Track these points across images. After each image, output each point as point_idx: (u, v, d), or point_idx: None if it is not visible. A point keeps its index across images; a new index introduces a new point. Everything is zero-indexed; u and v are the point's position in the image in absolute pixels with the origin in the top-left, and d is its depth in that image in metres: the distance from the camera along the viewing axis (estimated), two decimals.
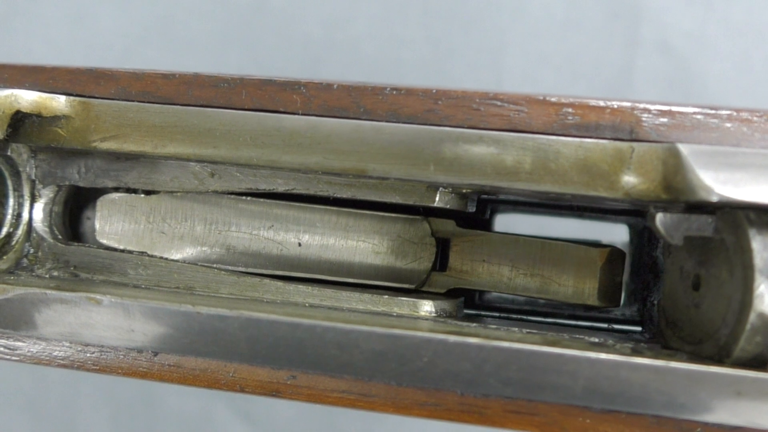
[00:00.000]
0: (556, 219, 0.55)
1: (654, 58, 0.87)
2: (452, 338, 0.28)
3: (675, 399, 0.27)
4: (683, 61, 0.87)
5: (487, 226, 0.48)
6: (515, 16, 0.87)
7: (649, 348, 0.30)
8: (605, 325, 0.39)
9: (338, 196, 0.34)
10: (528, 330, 0.31)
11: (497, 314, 0.43)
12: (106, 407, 0.90)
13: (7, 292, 0.30)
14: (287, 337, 0.29)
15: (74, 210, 0.37)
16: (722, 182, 0.27)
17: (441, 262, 0.37)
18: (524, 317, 0.43)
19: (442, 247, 0.37)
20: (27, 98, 0.32)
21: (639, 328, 0.40)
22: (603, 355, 0.27)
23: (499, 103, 0.31)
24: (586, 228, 0.57)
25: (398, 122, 0.31)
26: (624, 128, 0.29)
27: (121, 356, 0.33)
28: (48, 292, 0.30)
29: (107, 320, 0.30)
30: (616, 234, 0.61)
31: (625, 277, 0.48)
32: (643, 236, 0.42)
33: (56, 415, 0.90)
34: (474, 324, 0.32)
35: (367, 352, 0.29)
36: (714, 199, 0.27)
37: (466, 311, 0.38)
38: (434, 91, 0.31)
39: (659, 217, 0.28)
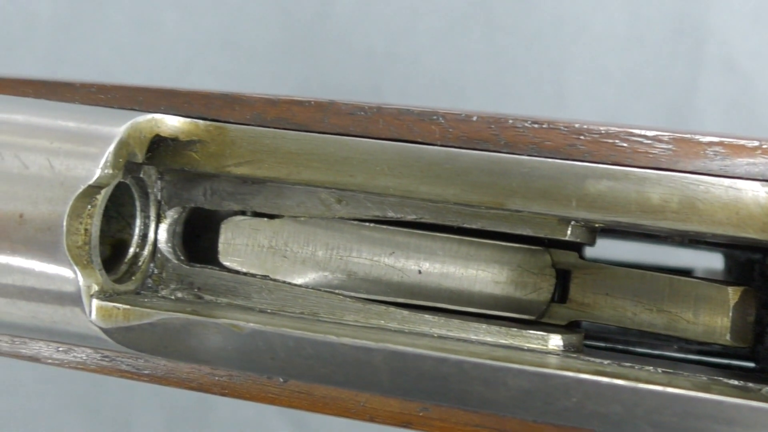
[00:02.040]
0: (648, 245, 0.54)
1: (718, 77, 0.86)
2: (605, 380, 0.28)
3: None
4: (748, 80, 0.86)
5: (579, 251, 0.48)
6: (578, 32, 0.87)
7: None
8: (723, 361, 0.39)
9: (467, 226, 0.34)
10: (663, 369, 0.31)
11: (601, 344, 0.42)
12: (161, 412, 0.90)
13: (151, 316, 0.30)
14: (432, 372, 0.29)
15: (194, 232, 0.38)
16: None
17: (561, 294, 0.36)
18: (629, 348, 0.42)
19: (562, 278, 0.36)
20: (168, 123, 0.32)
21: (752, 365, 0.39)
22: (762, 405, 0.27)
23: (644, 141, 0.30)
24: (678, 255, 0.56)
25: (539, 156, 0.31)
26: None
27: (250, 381, 0.33)
28: (191, 317, 0.30)
29: (245, 347, 0.31)
30: (695, 261, 0.60)
31: None
32: (753, 270, 0.41)
33: (112, 419, 0.91)
34: (607, 362, 0.32)
35: (513, 390, 0.28)
36: None
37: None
38: (577, 125, 0.31)
39: None
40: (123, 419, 0.91)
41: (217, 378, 0.33)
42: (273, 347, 0.30)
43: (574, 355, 0.32)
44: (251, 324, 0.30)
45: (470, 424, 0.31)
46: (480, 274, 0.36)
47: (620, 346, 0.42)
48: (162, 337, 0.30)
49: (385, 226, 0.36)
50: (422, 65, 0.90)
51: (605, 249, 0.52)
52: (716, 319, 0.33)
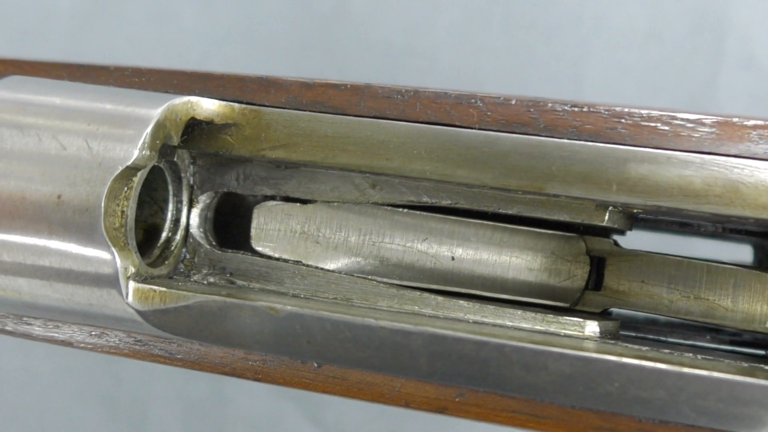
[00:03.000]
0: (681, 237, 0.54)
1: (738, 73, 0.86)
2: (648, 365, 0.27)
3: None
4: None
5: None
6: (597, 26, 0.86)
7: None
8: (761, 352, 0.38)
9: (503, 212, 0.34)
10: (702, 356, 0.31)
11: (632, 334, 0.42)
12: (178, 404, 0.90)
13: (188, 299, 0.30)
14: (472, 355, 0.29)
15: (225, 217, 0.37)
16: None
17: (596, 282, 0.36)
18: (661, 338, 0.42)
19: (597, 265, 0.36)
20: (204, 106, 0.32)
21: None
22: None
23: (687, 124, 0.30)
24: (710, 246, 0.56)
25: (579, 140, 0.30)
26: None
27: (284, 366, 0.32)
28: (228, 299, 0.30)
29: (281, 330, 0.30)
30: (720, 251, 0.59)
31: None
32: None
33: (129, 411, 0.91)
34: (646, 347, 0.31)
35: (554, 374, 0.28)
36: None
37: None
38: (617, 109, 0.31)
39: None
40: (140, 411, 0.92)
41: (250, 363, 0.33)
42: (310, 330, 0.30)
43: (612, 342, 0.32)
44: (288, 307, 0.30)
45: (507, 410, 0.30)
46: (513, 260, 0.36)
47: (651, 336, 0.42)
48: (198, 320, 0.30)
49: (418, 212, 0.36)
50: (440, 60, 0.89)
51: (632, 240, 0.52)
52: (756, 306, 0.33)
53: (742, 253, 0.53)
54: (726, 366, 0.28)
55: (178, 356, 0.34)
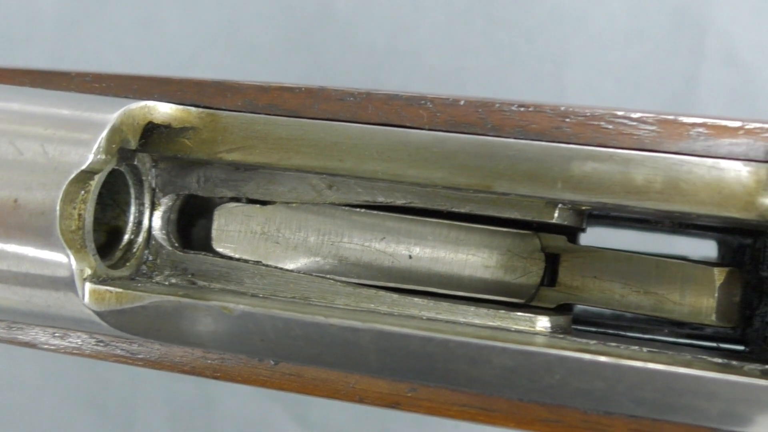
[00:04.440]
0: (646, 234, 0.54)
1: (719, 70, 0.86)
2: (587, 357, 0.28)
3: None
4: (749, 73, 0.86)
5: (574, 239, 0.48)
6: (578, 26, 0.87)
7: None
8: (713, 344, 0.39)
9: (456, 210, 0.34)
10: (648, 349, 0.31)
11: (593, 329, 0.43)
12: (165, 406, 0.91)
13: (143, 299, 0.31)
14: (418, 351, 0.29)
15: (188, 219, 0.38)
16: None
17: (549, 278, 0.37)
18: (620, 333, 0.43)
19: (551, 262, 0.37)
20: (161, 110, 0.33)
21: (741, 348, 0.40)
22: (743, 379, 0.27)
23: (629, 123, 0.31)
24: (674, 243, 0.56)
25: (526, 139, 0.31)
26: (759, 149, 0.29)
27: (242, 364, 0.33)
28: (182, 300, 0.31)
29: (236, 329, 0.31)
30: (689, 248, 0.60)
31: None
32: (744, 254, 0.41)
33: (117, 414, 0.92)
34: (594, 342, 0.32)
35: (498, 368, 0.29)
36: None
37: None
38: (563, 108, 0.31)
39: None
40: (127, 414, 0.92)
41: (209, 361, 0.33)
42: (263, 329, 0.31)
43: (561, 336, 0.33)
44: (241, 306, 0.31)
45: (457, 404, 0.31)
46: (470, 258, 0.36)
47: (612, 331, 0.42)
48: (153, 320, 0.31)
49: (375, 212, 0.36)
50: (423, 60, 0.90)
51: (601, 237, 0.52)
52: (702, 299, 0.34)
53: (707, 248, 0.54)
54: (664, 358, 0.29)
55: (140, 356, 0.34)
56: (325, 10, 0.89)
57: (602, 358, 0.28)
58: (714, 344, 0.38)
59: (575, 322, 0.43)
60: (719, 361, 0.30)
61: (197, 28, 0.91)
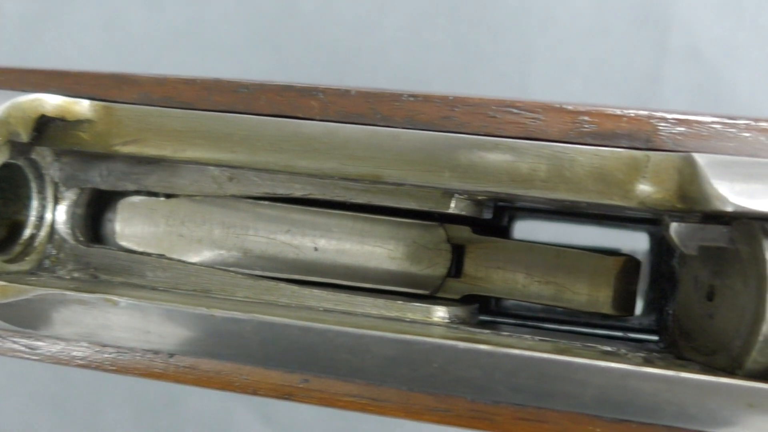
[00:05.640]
0: (579, 226, 0.54)
1: (683, 66, 0.86)
2: (462, 345, 0.28)
3: (685, 410, 0.26)
4: (713, 68, 0.86)
5: (506, 233, 0.48)
6: (543, 23, 0.87)
7: (661, 358, 0.30)
8: (621, 334, 0.39)
9: (354, 201, 0.34)
10: (541, 338, 0.31)
11: (514, 321, 0.43)
12: (129, 406, 0.90)
13: (28, 292, 0.31)
14: (299, 341, 0.29)
15: (97, 213, 0.38)
16: (738, 192, 0.26)
17: (456, 269, 0.37)
18: (540, 324, 0.43)
19: (458, 253, 0.37)
20: (51, 102, 0.32)
21: (656, 338, 0.40)
22: (613, 365, 0.27)
23: (515, 111, 0.31)
24: (609, 236, 0.56)
25: (414, 129, 0.31)
26: (640, 137, 0.29)
27: (138, 357, 0.33)
28: (67, 293, 0.31)
29: (123, 321, 0.31)
30: (640, 242, 0.60)
31: (645, 286, 0.47)
32: (662, 245, 0.41)
33: (80, 414, 0.91)
34: (487, 331, 0.32)
35: (378, 357, 0.29)
36: (729, 209, 0.26)
37: (482, 318, 0.38)
38: (451, 98, 0.31)
39: (674, 227, 0.28)
40: (92, 414, 0.92)
41: (106, 355, 0.33)
42: (149, 321, 0.31)
43: (454, 326, 0.32)
44: (125, 298, 0.30)
45: (348, 395, 0.31)
46: (376, 250, 0.36)
47: (531, 323, 0.42)
48: (39, 313, 0.31)
49: (280, 204, 0.36)
50: (387, 58, 0.90)
51: (530, 231, 0.52)
52: (599, 289, 0.34)
53: (639, 241, 0.54)
54: (540, 344, 0.29)
55: (39, 351, 0.34)
56: (290, 8, 0.89)
57: (479, 346, 0.28)
58: (621, 333, 0.38)
59: (505, 315, 0.43)
60: (608, 349, 0.30)
61: (161, 27, 0.90)
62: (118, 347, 0.33)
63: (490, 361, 0.28)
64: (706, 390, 0.26)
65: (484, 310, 0.42)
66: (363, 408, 0.31)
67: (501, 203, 0.37)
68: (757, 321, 0.26)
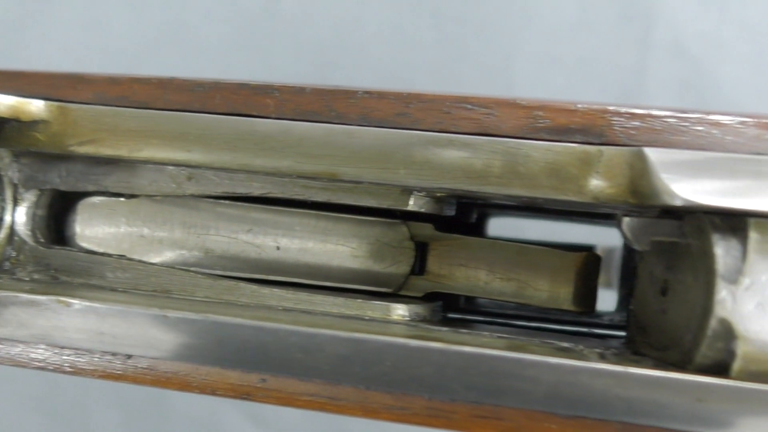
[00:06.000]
0: (553, 223, 0.54)
1: (667, 61, 0.86)
2: (414, 342, 0.28)
3: (636, 405, 0.26)
4: (697, 63, 0.86)
5: (476, 230, 0.48)
6: (527, 19, 0.86)
7: (616, 354, 0.29)
8: (588, 330, 0.39)
9: (313, 199, 0.34)
10: (499, 334, 0.31)
11: (483, 318, 0.42)
12: (117, 409, 0.90)
13: None
14: (252, 341, 0.29)
15: (61, 214, 0.38)
16: (687, 187, 0.26)
17: (420, 266, 0.37)
18: (510, 321, 0.42)
19: (422, 251, 0.37)
20: (5, 103, 0.32)
21: (623, 333, 0.39)
22: (564, 361, 0.27)
23: (469, 107, 0.30)
24: (587, 232, 0.56)
25: (369, 126, 0.31)
26: (594, 132, 0.29)
27: (96, 359, 0.33)
28: (19, 294, 0.30)
29: (77, 323, 0.31)
30: (615, 239, 0.60)
31: (617, 282, 0.47)
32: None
33: (68, 417, 0.91)
34: (445, 328, 0.32)
35: (332, 356, 0.29)
36: (678, 203, 0.26)
37: (451, 315, 0.38)
38: (405, 94, 0.31)
39: (626, 222, 0.28)
40: (80, 417, 0.92)
41: (64, 357, 0.33)
42: (102, 321, 0.30)
43: (414, 324, 0.32)
44: (78, 300, 0.30)
45: (306, 394, 0.31)
46: (339, 248, 0.36)
47: (500, 320, 0.42)
48: None
49: (241, 203, 0.36)
50: (371, 56, 0.90)
51: (510, 229, 0.52)
52: (560, 285, 0.33)
53: (615, 237, 0.54)
54: (494, 341, 0.29)
55: None
56: (272, 7, 0.89)
57: (431, 344, 0.28)
58: (586, 329, 0.38)
59: (474, 312, 0.43)
60: (563, 345, 0.30)
61: (143, 27, 0.90)
62: (76, 349, 0.33)
63: (441, 359, 0.27)
64: (655, 385, 0.26)
65: (453, 307, 0.41)
66: (322, 407, 0.31)
67: (463, 200, 0.37)
68: (706, 315, 0.26)
